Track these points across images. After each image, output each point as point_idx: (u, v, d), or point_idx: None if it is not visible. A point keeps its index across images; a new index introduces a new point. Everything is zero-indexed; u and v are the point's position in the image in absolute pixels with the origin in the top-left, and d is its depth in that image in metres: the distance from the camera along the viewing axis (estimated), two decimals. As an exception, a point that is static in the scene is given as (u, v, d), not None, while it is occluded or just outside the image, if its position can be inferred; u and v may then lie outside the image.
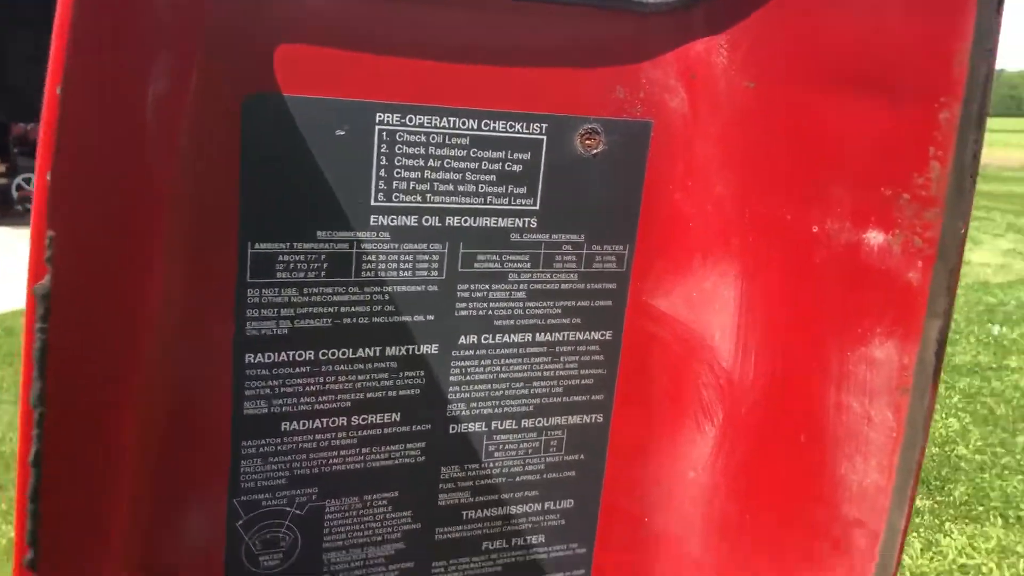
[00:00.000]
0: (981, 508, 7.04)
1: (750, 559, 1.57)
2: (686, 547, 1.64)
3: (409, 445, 1.42)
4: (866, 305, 1.29)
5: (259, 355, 1.30)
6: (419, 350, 1.39)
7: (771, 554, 1.52)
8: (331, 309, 1.31)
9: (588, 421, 1.54)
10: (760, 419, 1.50)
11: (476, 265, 1.38)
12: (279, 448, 1.34)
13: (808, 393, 1.40)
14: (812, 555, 1.45)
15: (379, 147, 1.27)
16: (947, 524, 6.81)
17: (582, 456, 1.55)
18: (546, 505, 1.55)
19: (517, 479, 1.51)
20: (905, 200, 1.21)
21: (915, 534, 6.64)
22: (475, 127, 1.32)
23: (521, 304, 1.43)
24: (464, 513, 1.49)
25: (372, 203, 1.28)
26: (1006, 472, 7.44)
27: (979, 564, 6.20)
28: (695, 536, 1.63)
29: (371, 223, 1.29)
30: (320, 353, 1.33)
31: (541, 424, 1.51)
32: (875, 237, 1.26)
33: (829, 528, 1.40)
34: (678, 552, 1.64)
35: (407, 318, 1.36)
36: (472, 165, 1.32)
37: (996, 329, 11.33)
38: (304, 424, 1.35)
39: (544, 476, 1.53)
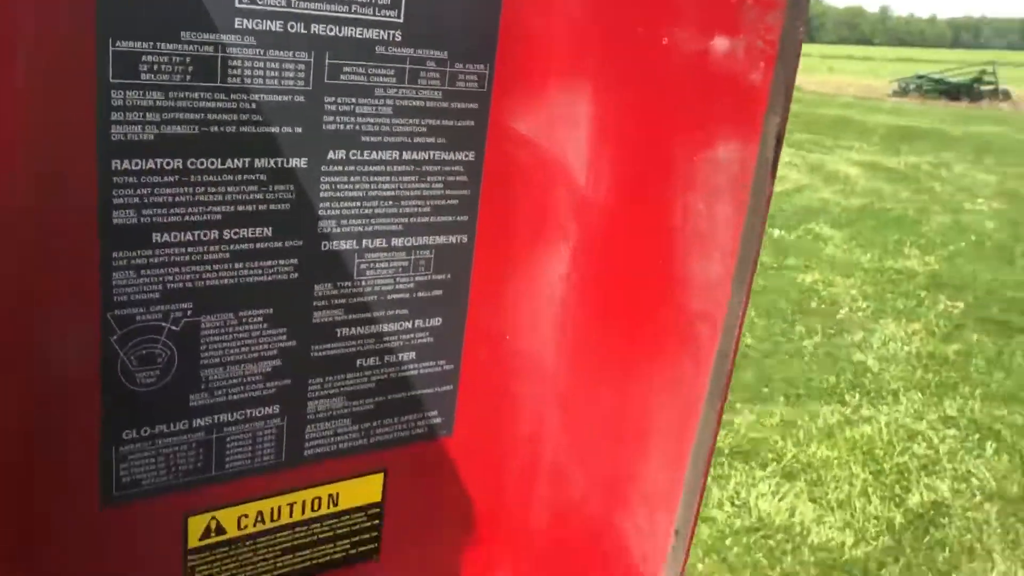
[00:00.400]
0: (766, 390, 7.78)
1: (603, 366, 1.70)
2: (544, 362, 1.75)
3: (282, 261, 1.43)
4: (712, 109, 1.42)
5: (126, 161, 1.25)
6: (288, 163, 1.39)
7: (622, 357, 1.66)
8: (198, 116, 1.29)
9: (454, 242, 1.60)
10: (612, 231, 1.62)
11: (342, 77, 1.39)
12: (151, 260, 1.31)
13: (657, 199, 1.53)
14: (661, 352, 1.59)
15: (244, -55, 1.24)
16: (738, 405, 7.47)
17: (449, 276, 1.61)
18: (416, 323, 1.60)
19: (388, 297, 1.56)
20: (749, 5, 1.33)
21: (712, 415, 7.24)
22: (340, -67, 1.32)
23: (388, 120, 1.45)
24: (338, 331, 1.52)
25: (237, 5, 1.26)
26: (787, 357, 8.23)
27: (767, 437, 6.88)
28: (551, 350, 1.74)
29: (236, 26, 1.27)
30: (188, 162, 1.30)
31: (410, 244, 1.55)
32: (721, 43, 1.38)
33: (676, 324, 1.54)
34: (536, 367, 1.75)
35: (275, 129, 1.36)
36: None
37: (776, 232, 12.38)
38: (175, 236, 1.32)
39: (414, 295, 1.59)
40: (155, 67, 1.24)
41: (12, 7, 1.11)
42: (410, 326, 1.60)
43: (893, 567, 5.39)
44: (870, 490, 6.21)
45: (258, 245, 1.40)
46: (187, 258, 1.34)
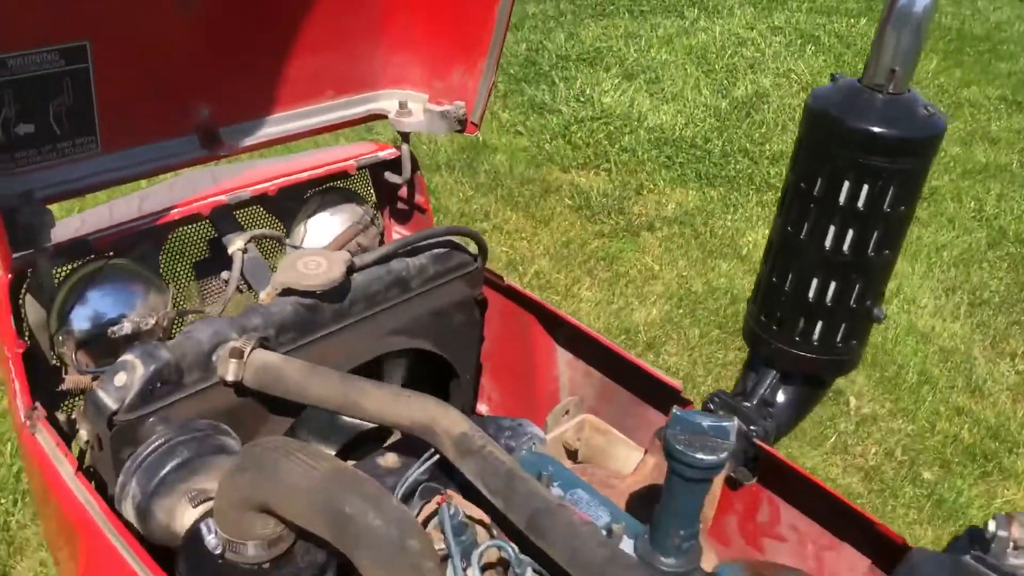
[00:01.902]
0: (613, 7, 8.04)
1: None
2: None
3: None
4: None
5: None
6: None
7: None
8: None
9: None
10: None
11: None
12: None
13: None
14: None
15: None
16: (586, 20, 7.74)
17: None
18: None
19: None
20: None
21: (559, 27, 7.50)
22: None
23: None
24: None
25: None
26: None
27: (611, 45, 7.23)
28: None
29: None
30: None
31: None
32: None
33: None
34: None
35: None
36: None
37: None
38: None
39: None
40: None
41: None
42: None
43: (717, 141, 6.03)
44: (701, 85, 6.75)
45: None
46: None
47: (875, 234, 1.75)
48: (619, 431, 2.08)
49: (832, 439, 3.85)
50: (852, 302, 1.82)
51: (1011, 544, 1.16)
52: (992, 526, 1.18)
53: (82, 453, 1.72)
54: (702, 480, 1.39)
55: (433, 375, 2.20)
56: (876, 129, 1.66)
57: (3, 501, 3.17)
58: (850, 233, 1.75)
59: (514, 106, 6.31)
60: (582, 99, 6.40)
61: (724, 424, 1.37)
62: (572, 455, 2.06)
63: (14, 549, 3.06)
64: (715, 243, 5.04)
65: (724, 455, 1.35)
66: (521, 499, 1.47)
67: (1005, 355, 4.36)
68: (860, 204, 1.72)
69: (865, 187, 1.70)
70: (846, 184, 1.71)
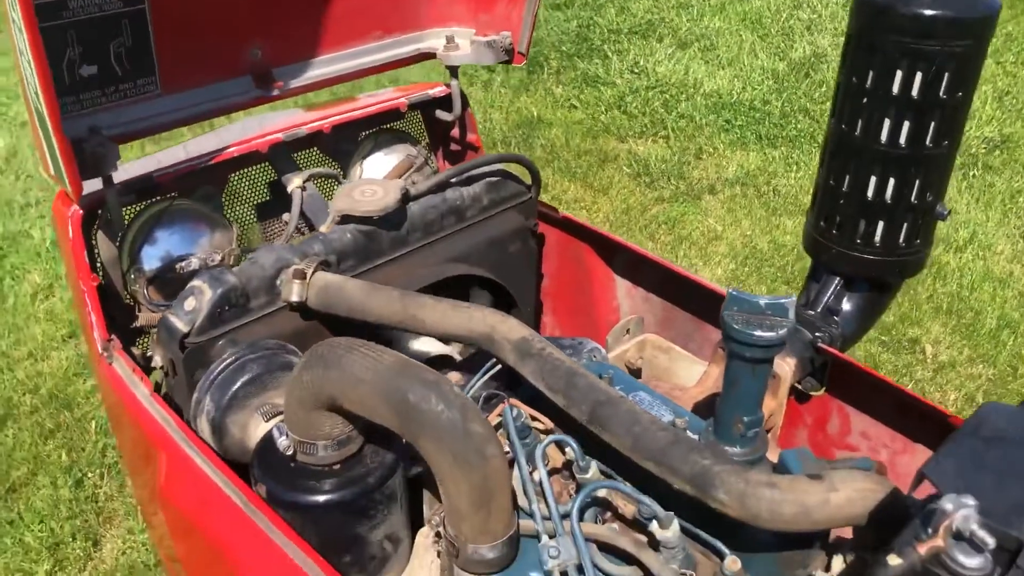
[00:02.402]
0: (663, -20, 7.97)
1: None
2: None
3: None
4: None
5: None
6: None
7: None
8: None
9: None
10: None
11: None
12: None
13: None
14: None
15: None
16: (636, -6, 7.69)
17: None
18: None
19: None
20: None
21: (609, 2, 7.46)
22: None
23: None
24: None
25: None
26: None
27: (663, 17, 7.18)
28: None
29: None
30: None
31: None
32: None
33: None
34: None
35: None
36: None
37: None
38: None
39: None
40: None
41: None
42: None
43: (776, 102, 5.94)
44: (757, 49, 6.66)
45: None
46: None
47: (932, 124, 1.71)
48: (686, 351, 2.07)
49: (910, 387, 3.76)
50: (913, 198, 1.78)
51: (1085, 390, 1.13)
52: (1064, 374, 1.15)
53: (154, 379, 1.79)
54: (762, 360, 1.37)
55: (493, 307, 2.22)
56: (927, 12, 1.62)
57: (91, 475, 3.29)
58: (906, 125, 1.72)
59: (568, 81, 6.31)
60: (636, 70, 6.36)
61: (782, 301, 1.36)
62: (635, 375, 2.06)
63: (103, 519, 3.17)
64: (779, 202, 4.97)
65: (783, 331, 1.33)
66: (581, 394, 1.48)
67: (1088, 296, 4.21)
68: (914, 93, 1.68)
69: (919, 74, 1.67)
70: (899, 73, 1.68)
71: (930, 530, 0.98)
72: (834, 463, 1.42)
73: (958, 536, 0.95)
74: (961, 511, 0.96)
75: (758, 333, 1.33)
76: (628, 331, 2.09)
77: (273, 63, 1.99)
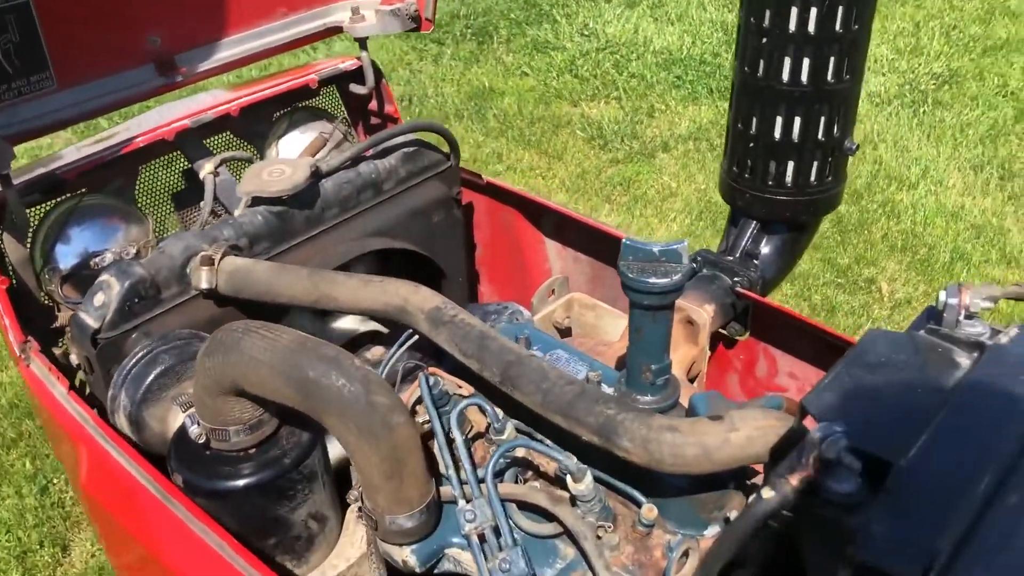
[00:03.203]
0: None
1: None
2: None
3: None
4: None
5: None
6: None
7: None
8: None
9: None
10: None
11: None
12: None
13: None
14: None
15: None
16: (583, -44, 7.61)
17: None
18: None
19: None
20: None
21: (557, -33, 7.38)
22: None
23: None
24: None
25: None
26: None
27: (610, -23, 7.11)
28: None
29: None
30: None
31: None
32: None
33: None
34: None
35: None
36: None
37: None
38: None
39: None
40: None
41: None
42: None
43: (726, 55, 5.91)
44: (706, 2, 6.61)
45: None
46: None
47: (832, 59, 1.70)
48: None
49: (867, 326, 3.78)
50: (820, 135, 1.78)
51: (962, 312, 1.13)
52: (943, 296, 1.15)
53: (78, 377, 1.78)
54: (660, 307, 1.37)
55: (423, 282, 2.21)
56: (816, -56, 1.62)
57: (57, 480, 3.28)
58: (806, 62, 1.71)
59: (518, 49, 6.26)
60: (585, 33, 6.32)
61: (674, 247, 1.35)
62: (565, 334, 2.06)
63: (71, 523, 3.16)
64: (731, 153, 4.95)
65: (678, 277, 1.33)
66: (493, 356, 1.47)
67: (1040, 222, 4.23)
68: (811, 28, 1.67)
69: (813, 9, 1.66)
70: (793, 10, 1.67)
71: (802, 460, 0.98)
72: (745, 404, 1.43)
73: (828, 464, 0.96)
74: (830, 438, 0.96)
75: (652, 280, 1.33)
76: (553, 291, 2.09)
77: (174, 49, 1.97)
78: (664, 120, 5.35)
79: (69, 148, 1.98)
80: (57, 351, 1.85)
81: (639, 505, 1.43)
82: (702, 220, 4.48)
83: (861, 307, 3.88)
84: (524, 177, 4.93)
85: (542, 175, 4.96)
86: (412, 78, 5.95)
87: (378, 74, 2.27)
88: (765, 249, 1.91)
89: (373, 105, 2.33)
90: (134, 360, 1.63)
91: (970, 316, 1.14)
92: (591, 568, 1.36)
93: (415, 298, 1.61)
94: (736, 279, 1.84)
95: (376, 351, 1.82)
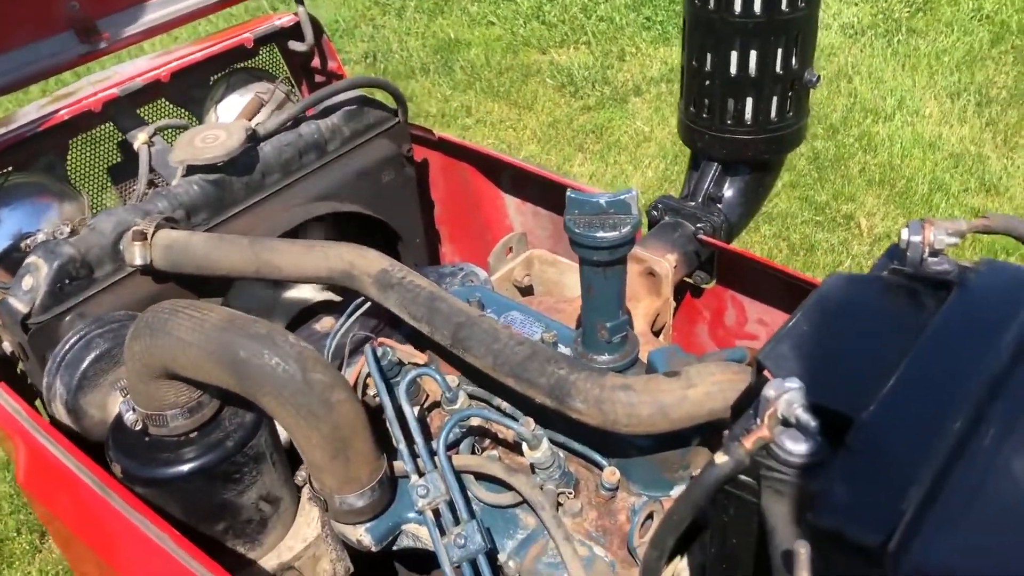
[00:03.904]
0: None
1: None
2: None
3: None
4: None
5: None
6: None
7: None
8: None
9: None
10: None
11: None
12: None
13: None
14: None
15: None
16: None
17: None
18: None
19: None
20: None
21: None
22: None
23: None
24: None
25: None
26: None
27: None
28: None
29: None
30: None
31: None
32: None
33: None
34: None
35: None
36: None
37: None
38: None
39: None
40: None
41: None
42: None
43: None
44: (673, -61, 6.44)
45: None
46: None
47: (786, -13, 1.60)
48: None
49: (847, 263, 3.72)
50: (778, 68, 1.68)
51: (926, 249, 1.05)
52: (905, 234, 1.07)
53: (19, 367, 1.70)
54: (612, 263, 1.29)
55: (379, 246, 2.12)
56: None
57: None
58: (759, -10, 1.61)
59: (482, -3, 6.10)
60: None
61: (622, 197, 1.27)
62: (526, 292, 1.98)
63: None
64: (704, 93, 4.84)
65: (627, 229, 1.25)
66: (443, 318, 1.40)
67: (1019, 148, 4.14)
68: (763, -46, 1.57)
69: (764, -66, 1.56)
70: (744, -65, 1.57)
71: (757, 420, 0.91)
72: (705, 356, 1.36)
73: (783, 422, 0.89)
74: (784, 396, 0.89)
75: (600, 234, 1.25)
76: (511, 249, 2.00)
77: (95, 14, 1.85)
78: (635, 63, 5.22)
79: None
80: (-4, 340, 1.76)
81: (601, 468, 1.37)
82: (677, 164, 4.38)
83: (840, 244, 3.81)
84: (494, 130, 4.81)
85: (512, 127, 4.85)
86: (376, 34, 5.80)
87: (318, 29, 2.16)
88: (728, 192, 1.82)
89: (316, 62, 2.22)
90: (68, 345, 1.54)
91: (935, 253, 1.06)
92: (552, 538, 1.30)
93: (361, 262, 1.53)
94: (699, 225, 1.76)
95: (326, 322, 1.74)
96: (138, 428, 1.40)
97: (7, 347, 1.65)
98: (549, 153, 4.60)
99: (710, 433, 1.39)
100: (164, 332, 1.29)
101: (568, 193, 1.28)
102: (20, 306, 1.56)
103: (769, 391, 0.90)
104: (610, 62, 5.24)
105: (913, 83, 4.63)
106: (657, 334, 1.74)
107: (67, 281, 1.58)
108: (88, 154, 1.99)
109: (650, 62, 5.20)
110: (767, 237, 3.84)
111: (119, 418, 1.45)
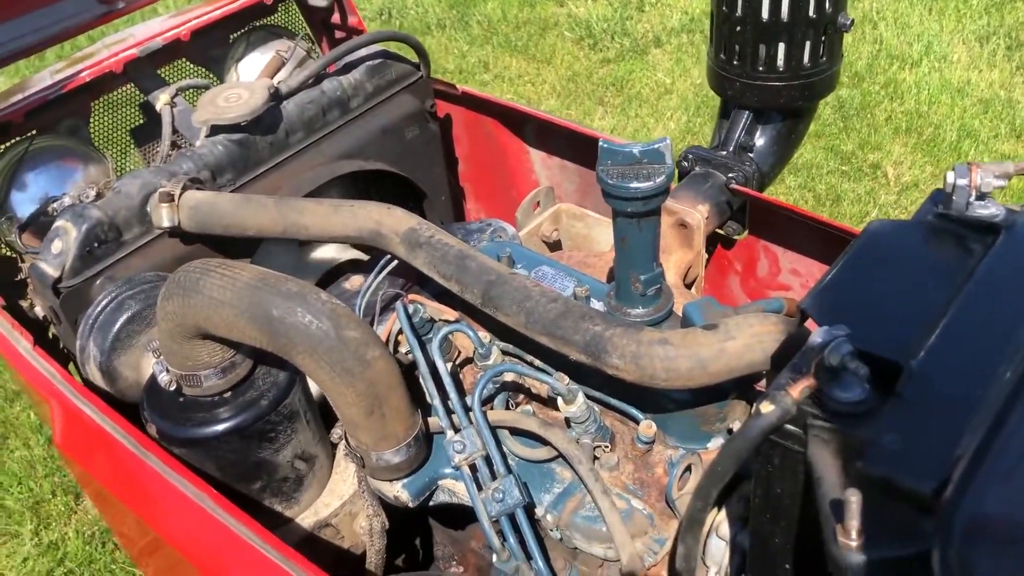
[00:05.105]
0: None
1: None
2: None
3: None
4: None
5: None
6: None
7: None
8: None
9: None
10: None
11: None
12: None
13: None
14: None
15: None
16: None
17: None
18: None
19: None
20: None
21: None
22: None
23: None
24: None
25: None
26: None
27: None
28: None
29: None
30: None
31: None
32: None
33: None
34: None
35: None
36: None
37: None
38: None
39: None
40: None
41: None
42: None
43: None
44: None
45: None
46: None
47: (821, -75, 1.56)
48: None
49: (873, 213, 3.66)
50: (811, 12, 1.64)
51: (972, 193, 1.03)
52: (951, 177, 1.04)
53: (51, 331, 1.70)
54: (647, 213, 1.27)
55: (404, 204, 2.10)
56: None
57: None
58: (793, -70, 1.56)
59: (498, -51, 5.99)
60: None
61: (655, 146, 1.24)
62: (554, 248, 1.96)
63: None
64: (726, 43, 4.75)
65: (661, 179, 1.22)
66: (473, 277, 1.38)
67: (1051, 91, 4.05)
68: None
69: None
70: None
71: (803, 369, 0.89)
72: (741, 308, 1.34)
73: (831, 371, 0.87)
74: (832, 343, 0.87)
75: (634, 185, 1.22)
76: (538, 204, 1.97)
77: (113, -28, 1.83)
78: (655, 13, 5.13)
79: (12, 87, 1.86)
80: (25, 304, 1.77)
81: (637, 422, 1.36)
82: (700, 116, 4.32)
83: (867, 194, 3.76)
84: (513, 85, 4.75)
85: (531, 81, 4.79)
86: (390, -10, 5.73)
87: (337, -18, 2.12)
88: (760, 141, 1.78)
89: (336, 18, 2.19)
90: (99, 308, 1.54)
91: (981, 197, 1.03)
92: (589, 491, 1.30)
93: (389, 220, 1.52)
94: (731, 175, 1.73)
95: (355, 280, 1.73)
96: (172, 388, 1.41)
97: (39, 311, 1.65)
98: (569, 108, 4.54)
99: (747, 385, 1.38)
100: (196, 291, 1.28)
101: (600, 143, 1.26)
102: (51, 270, 1.56)
103: (816, 339, 0.88)
104: (629, 13, 5.15)
105: (940, 27, 4.52)
106: (689, 286, 1.72)
107: (96, 244, 1.58)
108: (110, 116, 1.98)
109: (670, 12, 5.10)
110: (792, 188, 3.79)
111: (153, 379, 1.45)
